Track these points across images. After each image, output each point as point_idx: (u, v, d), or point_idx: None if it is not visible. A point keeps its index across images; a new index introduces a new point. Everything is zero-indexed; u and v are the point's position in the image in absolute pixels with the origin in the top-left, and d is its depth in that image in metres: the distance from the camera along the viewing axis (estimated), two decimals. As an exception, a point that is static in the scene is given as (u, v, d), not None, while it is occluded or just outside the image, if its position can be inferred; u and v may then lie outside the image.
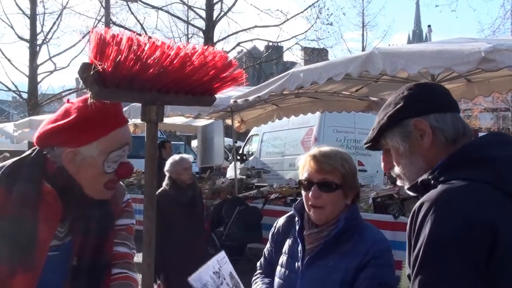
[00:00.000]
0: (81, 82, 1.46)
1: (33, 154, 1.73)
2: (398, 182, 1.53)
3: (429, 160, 1.41)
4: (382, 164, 1.56)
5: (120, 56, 1.34)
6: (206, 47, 1.56)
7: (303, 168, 2.15)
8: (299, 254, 2.15)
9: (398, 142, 1.45)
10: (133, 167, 1.83)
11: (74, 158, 1.67)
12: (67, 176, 1.69)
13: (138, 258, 1.95)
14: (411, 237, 1.28)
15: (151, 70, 1.40)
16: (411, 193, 1.47)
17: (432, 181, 1.33)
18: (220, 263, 2.29)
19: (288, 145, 13.22)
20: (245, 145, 15.70)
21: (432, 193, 1.26)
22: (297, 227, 2.20)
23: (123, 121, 1.74)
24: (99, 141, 1.67)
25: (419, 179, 1.38)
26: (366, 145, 1.58)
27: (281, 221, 2.38)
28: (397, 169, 1.49)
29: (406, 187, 1.49)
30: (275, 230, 2.37)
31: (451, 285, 1.17)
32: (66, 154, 1.67)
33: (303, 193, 2.14)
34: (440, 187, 1.27)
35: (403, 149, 1.45)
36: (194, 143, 19.97)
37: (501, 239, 1.15)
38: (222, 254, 2.35)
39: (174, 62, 1.45)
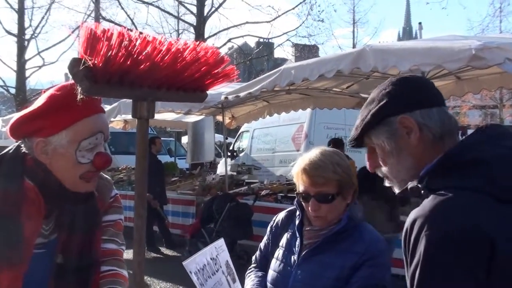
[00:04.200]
0: (71, 78, 1.43)
1: (12, 149, 1.71)
2: (386, 183, 1.46)
3: (418, 158, 1.35)
4: (368, 163, 1.48)
5: (110, 52, 1.31)
6: (198, 42, 1.54)
7: (298, 180, 2.13)
8: (296, 248, 2.15)
9: (384, 141, 1.39)
10: (111, 158, 1.77)
11: (45, 148, 1.64)
12: (44, 169, 1.65)
13: (128, 254, 1.93)
14: (406, 254, 1.24)
15: (142, 66, 1.38)
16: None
17: (422, 191, 1.28)
18: (218, 250, 2.27)
19: (279, 141, 13.24)
20: (235, 141, 15.69)
21: (423, 208, 1.21)
22: (297, 222, 2.20)
23: (95, 110, 1.69)
24: (68, 130, 1.63)
25: (409, 186, 1.34)
26: (351, 144, 1.51)
27: (281, 215, 2.37)
28: (384, 169, 1.43)
29: (396, 190, 1.43)
30: (274, 224, 2.36)
31: None
32: (36, 145, 1.64)
33: (303, 203, 2.13)
34: (431, 200, 1.21)
35: (389, 148, 1.38)
36: (185, 139, 19.90)
37: (499, 249, 1.12)
38: (221, 242, 2.33)
39: (166, 58, 1.43)
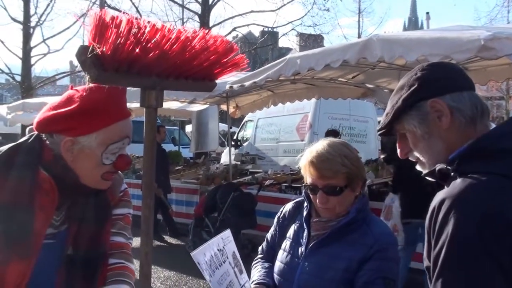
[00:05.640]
0: (77, 65, 1.42)
1: (30, 140, 1.69)
2: (418, 167, 1.48)
3: (448, 142, 1.36)
4: (398, 150, 1.50)
5: (119, 39, 1.30)
6: (207, 31, 1.52)
7: (305, 173, 2.10)
8: (304, 240, 2.13)
9: (415, 125, 1.39)
10: (131, 160, 1.78)
11: (72, 147, 1.63)
12: (63, 164, 1.65)
13: (135, 242, 1.92)
14: (431, 232, 1.24)
15: (151, 54, 1.36)
16: (429, 179, 1.41)
17: (452, 173, 1.29)
18: (224, 241, 2.24)
19: (283, 131, 13.21)
20: (239, 131, 15.67)
21: (453, 189, 1.22)
22: (304, 213, 2.18)
23: (126, 114, 1.69)
24: (99, 132, 1.62)
25: (437, 168, 1.34)
26: (380, 132, 1.51)
27: (288, 206, 2.35)
28: (415, 154, 1.44)
29: (424, 172, 1.44)
30: (281, 215, 2.34)
31: (477, 285, 1.14)
32: (64, 143, 1.62)
33: (311, 195, 2.11)
34: (461, 182, 1.23)
35: (420, 132, 1.39)
36: (189, 128, 19.90)
37: None
38: (227, 233, 2.31)
39: (175, 46, 1.41)
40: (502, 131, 1.31)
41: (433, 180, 1.38)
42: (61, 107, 1.63)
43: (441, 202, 1.21)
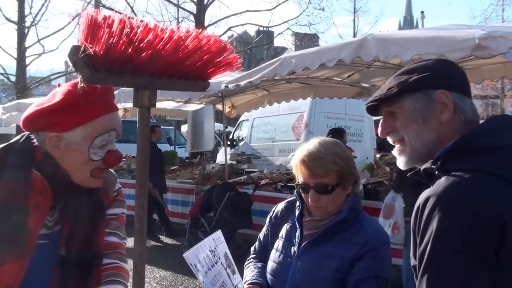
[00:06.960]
0: (71, 66, 1.41)
1: (22, 140, 1.69)
2: (395, 151, 1.47)
3: (440, 135, 1.37)
4: (380, 129, 1.49)
5: (112, 39, 1.29)
6: (200, 30, 1.52)
7: (297, 172, 2.11)
8: (296, 239, 2.14)
9: (416, 107, 1.39)
10: (122, 156, 1.77)
11: (58, 143, 1.62)
12: (54, 163, 1.64)
13: (129, 242, 1.91)
14: (416, 230, 1.26)
15: (143, 54, 1.36)
16: (408, 173, 1.43)
17: (436, 172, 1.30)
18: (216, 242, 2.24)
19: (279, 131, 13.21)
20: (235, 130, 15.66)
21: (437, 187, 1.23)
22: (297, 213, 2.18)
23: (111, 108, 1.68)
24: (84, 127, 1.61)
25: (422, 167, 1.35)
26: (371, 103, 1.50)
27: (280, 205, 2.36)
28: (401, 133, 1.43)
29: (400, 162, 1.44)
30: (274, 214, 2.35)
31: (460, 281, 1.15)
32: (49, 139, 1.62)
33: (303, 194, 2.12)
34: (445, 180, 1.24)
35: (418, 115, 1.39)
36: (184, 128, 19.87)
37: (509, 231, 1.14)
38: (218, 234, 2.31)
39: (167, 46, 1.40)
40: (486, 129, 1.33)
41: (419, 179, 1.39)
42: (45, 104, 1.63)
43: (426, 201, 1.23)
